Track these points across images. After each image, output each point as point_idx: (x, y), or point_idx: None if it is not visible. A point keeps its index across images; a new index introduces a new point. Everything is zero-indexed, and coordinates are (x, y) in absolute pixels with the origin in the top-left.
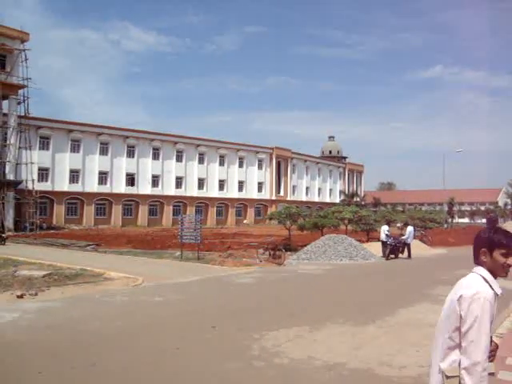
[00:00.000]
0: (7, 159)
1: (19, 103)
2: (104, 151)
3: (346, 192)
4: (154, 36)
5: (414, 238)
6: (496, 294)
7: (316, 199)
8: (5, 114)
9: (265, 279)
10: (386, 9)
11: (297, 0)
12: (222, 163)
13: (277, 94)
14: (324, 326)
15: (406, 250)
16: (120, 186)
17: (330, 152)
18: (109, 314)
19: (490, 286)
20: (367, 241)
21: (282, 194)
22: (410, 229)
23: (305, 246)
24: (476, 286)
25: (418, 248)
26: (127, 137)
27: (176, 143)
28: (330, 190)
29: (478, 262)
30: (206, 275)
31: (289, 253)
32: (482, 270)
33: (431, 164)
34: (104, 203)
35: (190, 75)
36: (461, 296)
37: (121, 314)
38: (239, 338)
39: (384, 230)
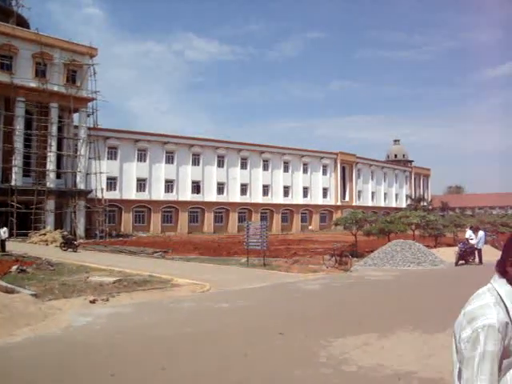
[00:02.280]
0: (78, 169)
1: (88, 115)
2: (170, 160)
3: (413, 196)
4: (217, 45)
5: (486, 243)
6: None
7: (382, 204)
8: (75, 127)
9: (331, 285)
10: (451, 7)
11: (359, 3)
12: (286, 169)
13: (341, 99)
14: (393, 333)
15: (477, 255)
16: (186, 194)
17: (396, 156)
18: (177, 319)
19: (506, 307)
20: (435, 246)
21: (347, 199)
22: (480, 234)
23: (371, 251)
24: (480, 307)
25: (490, 253)
26: (192, 145)
27: (240, 150)
28: (396, 194)
29: (500, 270)
30: (273, 282)
31: (355, 259)
32: (501, 284)
33: (502, 166)
34: (170, 211)
35: (254, 83)
36: (458, 320)
37: (189, 320)
38: (307, 345)
39: (469, 235)
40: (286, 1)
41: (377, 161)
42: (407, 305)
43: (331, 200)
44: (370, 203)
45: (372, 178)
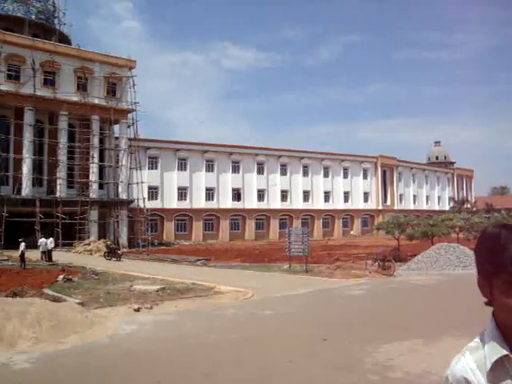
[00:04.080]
0: (120, 180)
1: (129, 126)
2: (210, 168)
3: (456, 199)
4: (253, 53)
5: None
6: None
7: (424, 207)
8: (116, 138)
9: (375, 291)
10: (491, 2)
11: (394, 5)
12: (326, 174)
13: (379, 102)
14: (439, 339)
15: None
16: (227, 202)
17: (437, 158)
18: (221, 327)
19: (485, 355)
20: None
21: (388, 203)
22: None
23: (415, 255)
24: (456, 357)
25: None
26: (232, 153)
27: (280, 157)
28: (439, 197)
29: (486, 296)
30: (315, 288)
31: (398, 263)
32: (490, 321)
33: None
34: (212, 218)
35: (291, 89)
36: None
37: (232, 327)
38: (351, 351)
39: None
40: (321, 5)
41: (418, 163)
42: (454, 310)
43: (372, 204)
44: (411, 206)
45: (413, 181)
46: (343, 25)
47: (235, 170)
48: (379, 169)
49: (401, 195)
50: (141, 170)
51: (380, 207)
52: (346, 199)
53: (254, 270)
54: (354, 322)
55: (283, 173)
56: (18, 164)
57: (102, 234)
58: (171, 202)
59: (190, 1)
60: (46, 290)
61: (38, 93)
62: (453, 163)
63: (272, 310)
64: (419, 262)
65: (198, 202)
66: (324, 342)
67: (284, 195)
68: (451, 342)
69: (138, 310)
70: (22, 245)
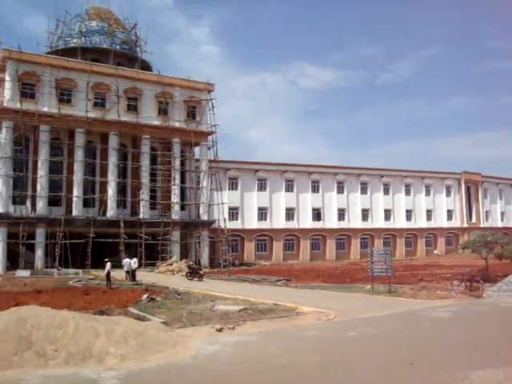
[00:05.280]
0: (201, 201)
1: (209, 148)
2: (289, 188)
3: None
4: (330, 71)
5: None
6: None
7: None
8: (197, 160)
9: (462, 313)
10: None
11: (473, 13)
12: (407, 192)
13: (461, 116)
14: None
15: None
16: (306, 221)
17: None
18: (303, 348)
19: None
20: None
21: (473, 220)
22: None
23: (505, 276)
24: None
25: None
26: (311, 172)
27: (359, 175)
28: None
29: None
30: (399, 309)
31: (487, 284)
32: None
33: None
34: (292, 238)
35: (368, 106)
36: None
37: (315, 349)
38: (441, 378)
39: None
40: (397, 22)
41: (505, 178)
42: None
43: (457, 222)
44: (499, 224)
45: (500, 197)
46: (421, 38)
47: (315, 189)
48: (463, 185)
49: (487, 212)
50: (221, 190)
51: (465, 225)
52: (429, 217)
53: (336, 291)
54: (441, 346)
55: (363, 191)
56: (104, 187)
57: (183, 255)
58: (251, 222)
59: (265, 23)
60: (131, 309)
61: (122, 118)
62: None
63: (355, 332)
64: (511, 282)
65: (278, 222)
66: (411, 367)
67: (365, 214)
68: None
69: (220, 331)
70: (108, 264)
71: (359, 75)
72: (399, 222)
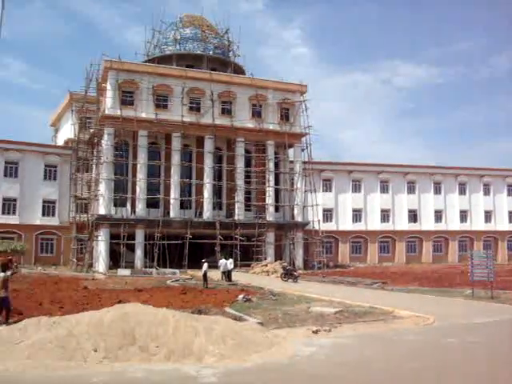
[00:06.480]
0: (295, 203)
1: (303, 150)
2: (384, 189)
3: None
4: (425, 68)
5: None
6: None
7: None
8: (291, 161)
9: None
10: None
11: None
12: (510, 193)
13: None
14: None
15: None
16: (402, 223)
17: None
18: (401, 353)
19: None
20: None
21: None
22: None
23: None
24: None
25: None
26: (407, 173)
27: (458, 175)
28: None
29: None
30: (503, 316)
31: None
32: None
33: None
34: (387, 241)
35: (467, 103)
36: None
37: (413, 355)
38: None
39: None
40: (495, 14)
41: None
42: None
43: None
44: None
45: None
46: None
47: (410, 190)
48: None
49: None
50: (315, 192)
51: None
52: None
53: (434, 295)
54: None
55: (462, 192)
56: (200, 189)
57: (277, 256)
58: (346, 223)
59: (356, 22)
60: (227, 309)
61: (217, 122)
62: None
63: (455, 339)
64: None
65: (373, 223)
66: None
67: (463, 215)
68: None
69: (316, 332)
70: (205, 265)
71: (456, 71)
72: (501, 224)
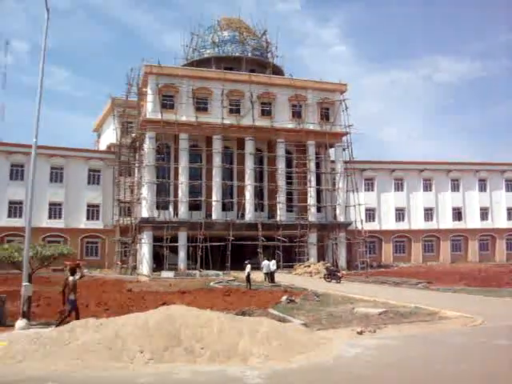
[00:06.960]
0: (337, 202)
1: (344, 149)
2: (427, 187)
3: None
4: (467, 63)
5: None
6: None
7: None
8: (332, 161)
9: None
10: None
11: None
12: None
13: None
14: None
15: None
16: (446, 222)
17: None
18: (448, 355)
19: None
20: None
21: None
22: None
23: None
24: None
25: None
26: (450, 170)
27: (504, 172)
28: None
29: None
30: None
31: None
32: None
33: None
34: (432, 240)
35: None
36: None
37: (460, 357)
38: None
39: None
40: None
41: None
42: None
43: None
44: None
45: None
46: None
47: (454, 187)
48: None
49: None
50: (357, 192)
51: None
52: None
53: (481, 295)
54: None
55: (508, 189)
56: (241, 190)
57: (320, 257)
58: (389, 223)
59: (394, 19)
60: (271, 310)
61: (257, 123)
62: None
63: (505, 340)
64: None
65: (417, 222)
66: None
67: (510, 213)
68: None
69: (361, 333)
70: (248, 266)
71: (500, 64)
72: None
